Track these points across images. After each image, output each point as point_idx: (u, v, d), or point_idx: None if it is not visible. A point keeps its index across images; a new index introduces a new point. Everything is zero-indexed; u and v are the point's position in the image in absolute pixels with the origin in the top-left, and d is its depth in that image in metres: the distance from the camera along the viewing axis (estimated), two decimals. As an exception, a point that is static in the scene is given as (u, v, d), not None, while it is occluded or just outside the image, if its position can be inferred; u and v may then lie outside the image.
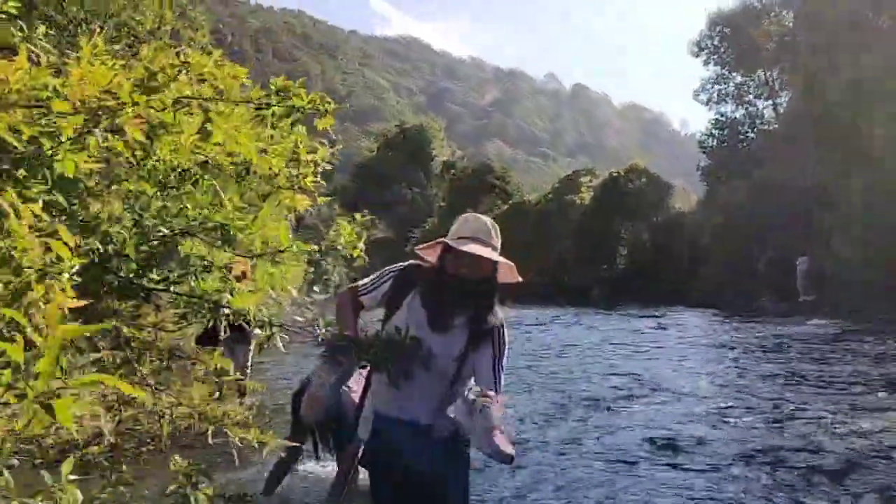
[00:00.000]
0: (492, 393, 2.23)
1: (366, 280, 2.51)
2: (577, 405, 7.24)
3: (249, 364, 7.12)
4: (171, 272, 2.11)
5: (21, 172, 1.48)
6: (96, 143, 1.53)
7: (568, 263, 31.13)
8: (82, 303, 1.19)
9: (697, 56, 32.41)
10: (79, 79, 1.53)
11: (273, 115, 1.95)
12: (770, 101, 31.55)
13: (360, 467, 2.55)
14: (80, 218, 1.78)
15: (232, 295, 2.18)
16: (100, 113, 1.50)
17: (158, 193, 1.99)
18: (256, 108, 1.93)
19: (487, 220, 2.45)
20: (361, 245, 2.31)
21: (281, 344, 2.44)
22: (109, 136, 1.52)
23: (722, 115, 32.10)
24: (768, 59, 30.19)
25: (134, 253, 2.00)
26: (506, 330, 2.44)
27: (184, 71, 1.80)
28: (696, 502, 4.37)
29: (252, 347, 6.48)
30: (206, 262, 2.15)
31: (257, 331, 2.43)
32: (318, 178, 2.08)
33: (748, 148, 29.16)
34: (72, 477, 1.25)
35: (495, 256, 2.34)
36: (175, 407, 4.96)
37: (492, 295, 2.40)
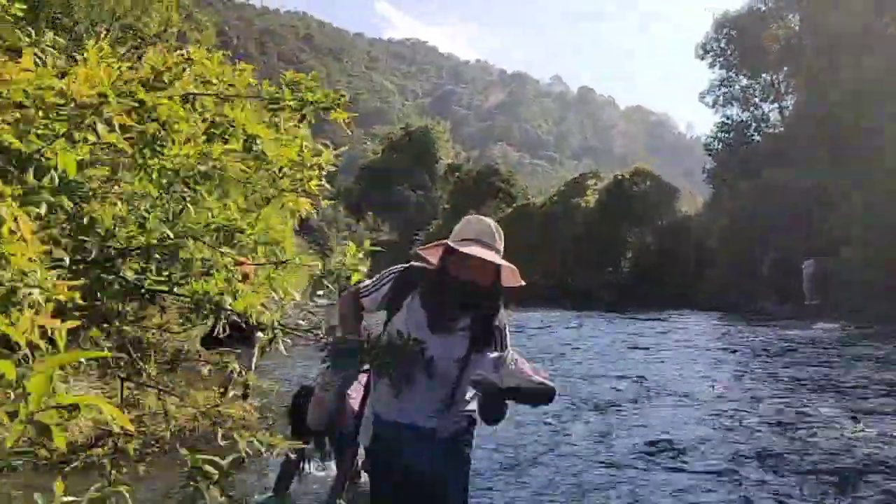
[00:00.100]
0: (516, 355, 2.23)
1: (367, 282, 2.48)
2: (583, 408, 7.22)
3: (254, 366, 7.13)
4: (174, 274, 2.10)
5: (28, 177, 1.48)
6: (94, 139, 1.53)
7: (573, 266, 31.09)
8: (76, 323, 1.18)
9: (703, 59, 32.39)
10: (84, 79, 1.53)
11: (285, 109, 1.94)
12: (776, 104, 31.50)
13: (362, 472, 2.56)
14: (82, 218, 1.77)
15: (235, 298, 2.18)
16: (87, 108, 1.50)
17: (163, 194, 1.99)
18: (270, 103, 1.93)
19: (491, 222, 2.42)
20: (364, 269, 2.30)
21: (283, 347, 2.44)
22: (103, 130, 1.52)
23: (728, 118, 32.07)
24: (774, 61, 30.14)
25: (137, 255, 1.99)
26: (508, 332, 2.43)
27: (188, 70, 1.79)
28: (701, 506, 4.35)
29: (256, 350, 6.49)
30: (208, 264, 2.15)
31: (259, 333, 2.43)
32: (323, 181, 2.07)
33: (754, 150, 29.09)
34: (66, 499, 1.23)
35: (498, 260, 2.30)
36: (180, 409, 4.98)
37: (495, 298, 2.37)
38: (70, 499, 1.26)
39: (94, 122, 1.49)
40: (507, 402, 2.22)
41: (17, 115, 1.40)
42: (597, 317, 20.50)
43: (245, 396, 6.95)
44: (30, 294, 1.19)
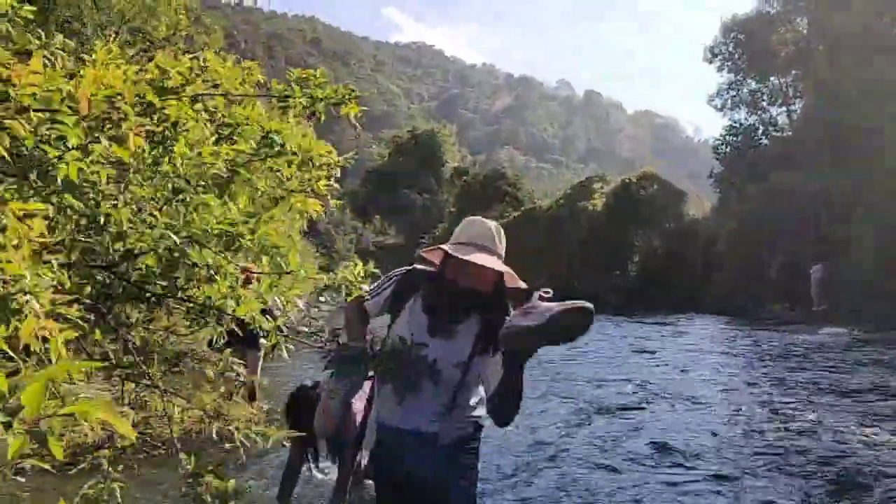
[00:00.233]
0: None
1: (372, 286, 2.48)
2: (589, 412, 7.20)
3: (259, 368, 7.14)
4: (178, 279, 2.11)
5: (32, 179, 1.48)
6: (102, 150, 1.53)
7: (579, 270, 30.99)
8: (68, 332, 1.17)
9: (711, 62, 32.27)
10: (92, 81, 1.53)
11: (296, 107, 1.93)
12: (784, 108, 31.38)
13: (366, 478, 2.54)
14: (96, 219, 1.78)
15: (238, 303, 2.18)
16: (105, 121, 1.50)
17: (171, 198, 1.99)
18: (280, 101, 1.93)
19: (492, 224, 2.37)
20: (366, 287, 2.30)
21: (286, 353, 2.43)
22: (114, 146, 1.52)
23: (736, 122, 31.96)
24: (782, 65, 30.03)
25: (144, 259, 2.00)
26: None
27: (199, 75, 1.80)
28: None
29: (261, 353, 6.50)
30: (212, 270, 2.15)
31: (262, 340, 2.42)
32: (332, 181, 2.07)
33: (762, 154, 28.97)
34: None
35: (497, 266, 2.23)
36: (185, 410, 4.97)
37: (499, 302, 2.32)
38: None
39: (108, 135, 1.49)
40: (536, 348, 2.07)
41: (24, 119, 1.41)
42: (604, 320, 20.43)
43: (252, 398, 6.96)
44: (26, 301, 1.19)
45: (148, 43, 9.99)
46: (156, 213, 1.91)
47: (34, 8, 1.67)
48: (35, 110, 1.44)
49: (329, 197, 2.10)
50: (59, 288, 1.44)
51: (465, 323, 2.32)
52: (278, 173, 1.97)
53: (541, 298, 2.09)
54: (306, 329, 2.65)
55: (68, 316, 1.29)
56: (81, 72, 1.49)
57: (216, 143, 1.86)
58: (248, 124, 1.92)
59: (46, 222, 1.40)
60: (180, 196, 1.94)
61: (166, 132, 1.74)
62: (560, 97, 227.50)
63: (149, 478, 3.63)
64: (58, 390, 1.04)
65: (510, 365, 2.13)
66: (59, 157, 1.45)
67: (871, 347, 12.39)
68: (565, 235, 32.27)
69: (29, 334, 1.10)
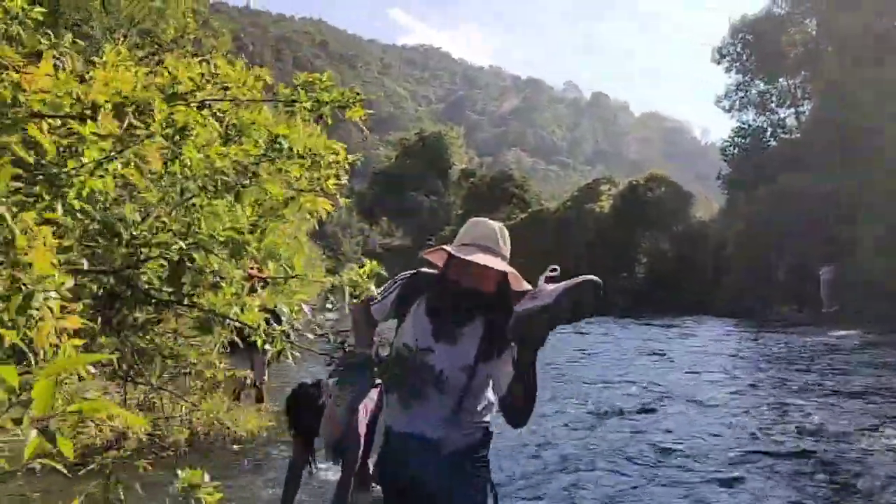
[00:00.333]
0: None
1: (379, 290, 2.45)
2: (598, 414, 7.18)
3: (266, 370, 7.16)
4: (184, 284, 2.11)
5: (41, 189, 1.48)
6: (118, 170, 1.54)
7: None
8: (80, 322, 1.18)
9: (719, 63, 32.19)
10: (103, 84, 1.54)
11: (302, 111, 1.94)
12: (792, 109, 31.25)
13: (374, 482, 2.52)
14: (109, 225, 1.78)
15: (242, 311, 2.18)
16: (126, 140, 1.51)
17: (180, 203, 1.99)
18: (286, 105, 1.93)
19: (496, 225, 2.32)
20: (372, 287, 2.29)
21: (292, 359, 2.43)
22: (135, 172, 1.53)
23: (744, 123, 31.84)
24: (791, 66, 29.91)
25: (151, 264, 2.00)
26: None
27: (210, 80, 1.81)
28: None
29: (268, 356, 6.51)
30: (218, 277, 2.16)
31: (267, 346, 2.41)
32: (342, 179, 2.07)
33: (770, 156, 28.85)
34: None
35: (500, 266, 2.18)
36: (193, 412, 4.98)
37: (503, 303, 2.23)
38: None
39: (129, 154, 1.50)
40: (547, 333, 2.00)
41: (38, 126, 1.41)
42: (611, 322, 20.39)
43: (259, 400, 6.97)
44: (47, 299, 1.19)
45: (156, 46, 10.04)
46: (164, 218, 1.92)
47: (44, 10, 1.68)
48: (46, 116, 1.45)
49: (338, 195, 2.10)
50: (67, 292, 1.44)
51: (469, 326, 2.28)
52: (287, 174, 1.98)
53: (547, 280, 2.07)
54: (311, 336, 2.65)
55: (76, 323, 1.30)
56: (91, 72, 1.49)
57: (224, 143, 1.87)
58: (255, 128, 1.92)
59: (54, 227, 1.40)
60: (188, 197, 1.94)
61: (175, 137, 1.75)
62: (567, 99, 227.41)
63: (155, 479, 3.63)
64: (70, 395, 1.04)
65: (522, 356, 2.10)
66: (76, 171, 1.45)
67: (880, 349, 12.31)
68: (572, 237, 32.23)
69: (47, 333, 1.10)
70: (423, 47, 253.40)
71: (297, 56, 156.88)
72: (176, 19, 10.93)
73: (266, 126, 1.91)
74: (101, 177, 1.48)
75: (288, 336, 2.32)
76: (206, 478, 1.56)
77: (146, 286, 2.07)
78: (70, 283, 1.25)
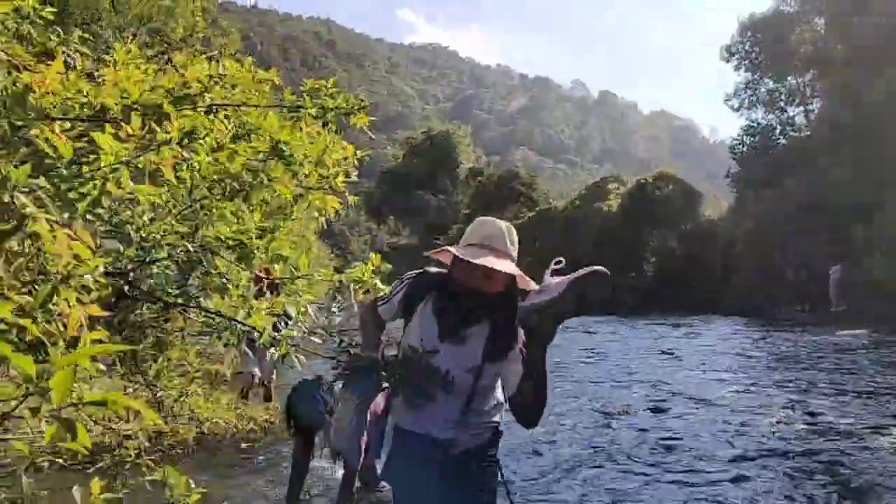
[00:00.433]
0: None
1: (387, 290, 2.45)
2: (605, 413, 7.16)
3: (275, 369, 7.17)
4: (190, 286, 2.11)
5: (63, 187, 1.49)
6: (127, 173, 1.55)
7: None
8: (106, 313, 1.18)
9: (728, 61, 32.03)
10: (112, 84, 1.54)
11: (304, 118, 1.95)
12: (802, 108, 31.06)
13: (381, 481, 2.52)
14: (121, 224, 1.79)
15: (249, 314, 2.18)
16: (143, 145, 1.52)
17: (188, 205, 2.00)
18: (290, 111, 1.93)
19: (503, 224, 2.28)
20: (378, 282, 2.28)
21: (298, 363, 2.43)
22: (149, 186, 1.54)
23: (753, 122, 31.67)
24: (800, 65, 29.73)
25: (158, 266, 2.01)
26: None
27: (218, 82, 1.81)
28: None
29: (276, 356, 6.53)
30: (224, 279, 2.16)
31: (271, 349, 2.42)
32: (352, 177, 2.07)
33: (779, 154, 28.69)
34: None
35: (507, 268, 2.15)
36: (200, 411, 4.99)
37: (511, 304, 2.23)
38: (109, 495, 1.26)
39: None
40: (556, 326, 2.01)
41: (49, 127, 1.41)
42: (619, 321, 20.36)
43: (268, 398, 6.99)
44: (75, 287, 1.20)
45: (165, 45, 10.08)
46: (172, 221, 1.92)
47: (55, 10, 1.69)
48: (55, 119, 1.45)
49: (347, 194, 2.10)
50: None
51: (476, 326, 2.26)
52: (296, 175, 1.98)
53: (553, 273, 2.05)
54: (318, 341, 2.64)
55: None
56: (101, 70, 1.50)
57: (233, 140, 1.87)
58: (260, 133, 1.93)
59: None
60: (196, 199, 1.94)
61: (184, 140, 1.75)
62: (575, 98, 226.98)
63: (163, 477, 3.65)
64: (85, 395, 1.05)
65: (531, 352, 2.09)
66: (91, 174, 1.46)
67: (889, 349, 12.22)
68: (580, 236, 32.17)
69: (75, 323, 1.11)
70: (430, 46, 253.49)
71: (305, 55, 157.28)
72: (185, 18, 10.98)
73: (270, 132, 1.91)
74: (119, 183, 1.49)
75: (293, 339, 2.32)
76: (191, 483, 1.58)
77: (153, 287, 2.07)
78: (101, 266, 1.26)
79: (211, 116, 1.82)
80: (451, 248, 2.26)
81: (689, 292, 26.37)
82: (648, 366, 10.87)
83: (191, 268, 2.03)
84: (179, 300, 2.14)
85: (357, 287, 2.36)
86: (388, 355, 2.37)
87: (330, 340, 2.62)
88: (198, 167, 1.77)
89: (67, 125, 1.47)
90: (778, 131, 30.98)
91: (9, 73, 1.47)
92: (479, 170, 53.50)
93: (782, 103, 31.50)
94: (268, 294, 2.40)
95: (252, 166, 1.95)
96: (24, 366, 0.97)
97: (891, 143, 19.73)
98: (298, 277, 2.20)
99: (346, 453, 3.72)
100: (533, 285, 2.20)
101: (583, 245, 31.47)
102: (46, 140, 1.28)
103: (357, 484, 4.07)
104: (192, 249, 1.90)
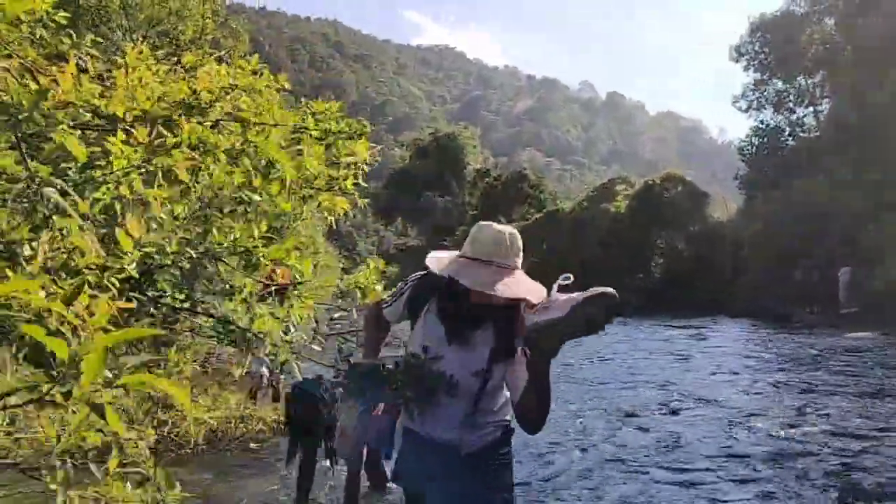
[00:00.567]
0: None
1: (390, 292, 2.44)
2: (613, 414, 7.15)
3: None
4: (195, 292, 2.13)
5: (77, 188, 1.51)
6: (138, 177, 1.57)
7: (602, 272, 30.78)
8: (131, 304, 1.20)
9: (738, 62, 31.90)
10: (123, 90, 1.56)
11: (307, 140, 1.97)
12: (811, 108, 30.90)
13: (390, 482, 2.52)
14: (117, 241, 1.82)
15: (252, 320, 2.20)
16: (154, 150, 1.54)
17: (196, 213, 2.01)
18: (293, 133, 1.96)
19: (507, 231, 2.20)
20: (380, 288, 2.28)
21: (297, 372, 2.44)
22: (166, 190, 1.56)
23: (762, 123, 31.52)
24: (809, 65, 29.59)
25: (161, 273, 2.03)
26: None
27: (229, 92, 1.84)
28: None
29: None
30: (229, 286, 2.18)
31: (271, 356, 2.43)
32: (360, 179, 2.08)
33: (788, 155, 28.55)
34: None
35: (519, 291, 2.07)
36: (210, 411, 5.02)
37: (515, 312, 2.17)
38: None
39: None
40: (561, 344, 1.96)
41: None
42: (627, 322, 20.30)
43: (276, 399, 7.01)
44: (98, 286, 1.22)
45: (175, 46, 10.13)
46: (176, 227, 1.94)
47: (68, 14, 1.71)
48: (68, 126, 1.47)
49: (357, 195, 2.11)
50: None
51: (482, 329, 2.24)
52: (306, 171, 2.00)
53: (560, 289, 2.03)
54: (318, 348, 2.65)
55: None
56: (113, 72, 1.52)
57: (233, 158, 1.90)
58: (259, 152, 1.95)
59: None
60: (203, 206, 1.96)
61: (198, 146, 1.77)
62: (582, 99, 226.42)
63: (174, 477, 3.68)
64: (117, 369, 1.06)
65: (534, 366, 2.08)
66: (104, 180, 1.48)
67: (899, 352, 12.15)
68: (588, 237, 32.10)
69: (105, 313, 1.13)
70: (437, 47, 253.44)
71: (313, 57, 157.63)
72: (194, 20, 11.03)
73: (266, 154, 1.93)
74: (131, 186, 1.52)
75: (291, 345, 2.33)
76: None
77: (157, 295, 2.09)
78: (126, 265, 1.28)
79: (216, 131, 1.84)
80: (447, 272, 2.18)
81: (697, 293, 26.28)
82: (656, 367, 10.84)
83: (194, 275, 2.04)
84: (185, 305, 2.15)
85: (360, 289, 2.37)
86: (388, 356, 2.36)
87: (330, 343, 2.63)
88: (209, 174, 1.79)
89: (78, 131, 1.50)
90: (787, 132, 30.84)
91: (22, 76, 1.49)
92: (486, 171, 53.38)
93: (791, 104, 31.35)
94: (275, 298, 2.41)
95: (250, 190, 1.97)
96: (57, 349, 0.99)
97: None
98: (300, 283, 2.21)
99: (349, 461, 3.73)
100: (542, 294, 2.11)
101: (590, 246, 31.42)
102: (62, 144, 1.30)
103: (366, 485, 4.09)
104: (195, 256, 1.91)
